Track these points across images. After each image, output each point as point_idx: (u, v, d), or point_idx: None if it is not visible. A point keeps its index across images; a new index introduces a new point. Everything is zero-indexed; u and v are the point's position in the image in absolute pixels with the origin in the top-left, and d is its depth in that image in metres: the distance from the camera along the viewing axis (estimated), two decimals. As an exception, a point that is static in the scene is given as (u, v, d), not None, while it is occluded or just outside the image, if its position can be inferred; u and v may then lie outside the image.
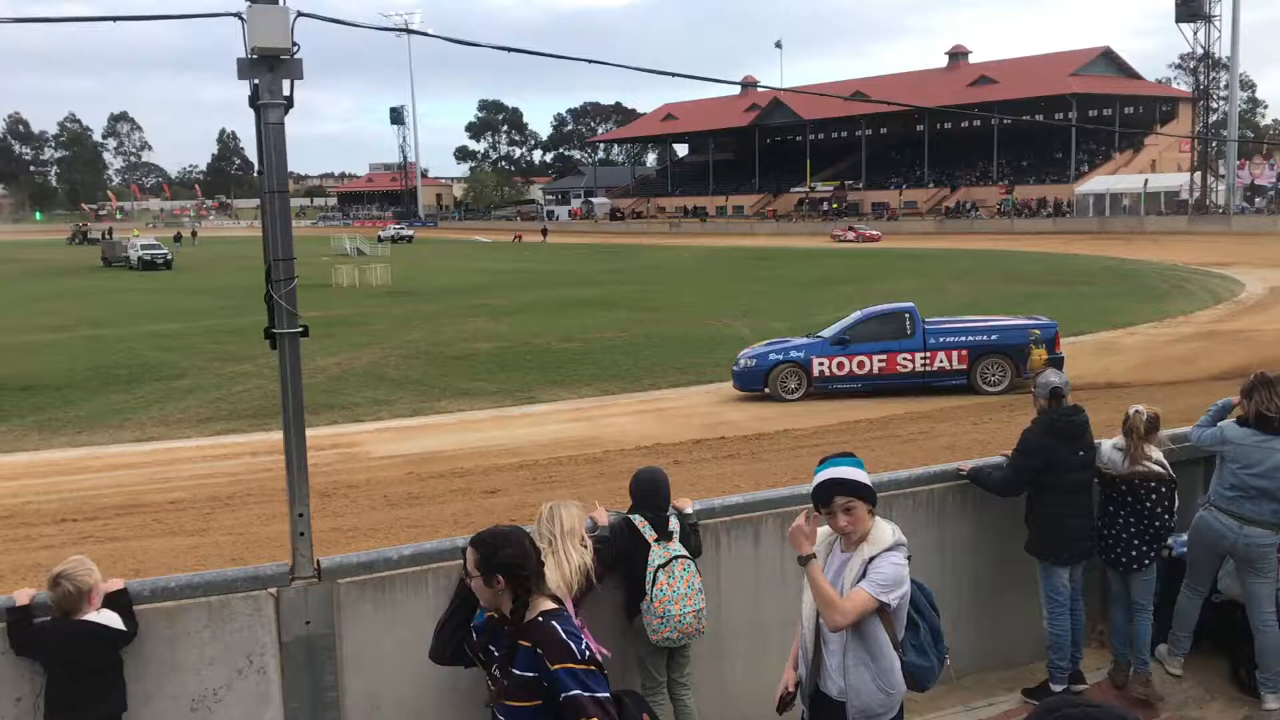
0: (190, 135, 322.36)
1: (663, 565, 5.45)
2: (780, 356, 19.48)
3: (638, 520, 5.56)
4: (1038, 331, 19.16)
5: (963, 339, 19.23)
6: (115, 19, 5.30)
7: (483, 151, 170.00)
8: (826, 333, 19.94)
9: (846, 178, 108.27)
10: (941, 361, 19.12)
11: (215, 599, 4.86)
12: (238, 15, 4.72)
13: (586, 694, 3.50)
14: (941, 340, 19.20)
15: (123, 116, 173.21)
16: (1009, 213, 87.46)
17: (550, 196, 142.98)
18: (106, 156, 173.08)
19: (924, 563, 6.47)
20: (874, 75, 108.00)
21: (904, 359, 19.16)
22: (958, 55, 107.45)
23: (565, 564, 5.16)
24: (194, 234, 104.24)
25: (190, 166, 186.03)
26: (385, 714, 5.14)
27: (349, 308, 36.33)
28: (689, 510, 5.75)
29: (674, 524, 5.61)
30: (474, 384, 21.26)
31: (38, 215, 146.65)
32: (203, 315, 35.74)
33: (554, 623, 3.61)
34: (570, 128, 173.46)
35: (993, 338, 19.24)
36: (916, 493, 6.59)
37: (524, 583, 3.64)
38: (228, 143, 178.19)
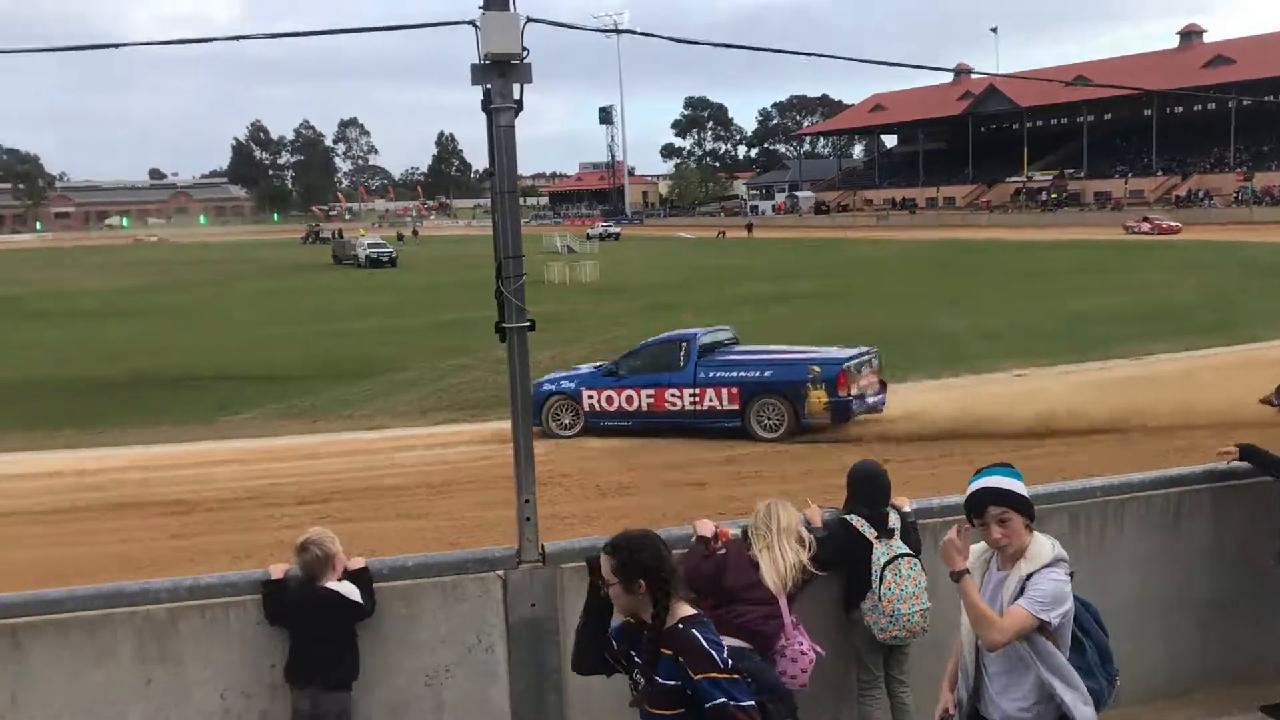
0: (412, 138, 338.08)
1: (889, 563, 5.38)
2: (553, 387, 17.47)
3: (854, 520, 5.52)
4: (817, 369, 16.18)
5: (734, 375, 16.58)
6: (359, 30, 5.64)
7: (688, 148, 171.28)
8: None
9: (1066, 166, 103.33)
10: (711, 400, 16.55)
11: (448, 579, 5.11)
12: (471, 23, 4.94)
13: (732, 703, 3.47)
14: (713, 375, 16.63)
15: (352, 122, 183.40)
16: (1247, 201, 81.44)
17: (754, 191, 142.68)
18: (336, 160, 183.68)
19: (1156, 571, 6.18)
20: (1097, 59, 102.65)
21: (673, 395, 16.75)
22: (1190, 35, 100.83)
23: (780, 561, 5.18)
24: (415, 233, 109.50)
25: (412, 168, 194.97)
26: (601, 700, 5.27)
27: (560, 304, 37.28)
28: (907, 509, 5.67)
29: (894, 520, 5.53)
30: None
31: (275, 217, 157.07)
32: (424, 310, 37.49)
33: (695, 631, 3.56)
34: (775, 121, 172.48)
35: (766, 374, 16.55)
36: (1151, 497, 6.26)
37: (664, 586, 3.61)
38: (446, 145, 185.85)
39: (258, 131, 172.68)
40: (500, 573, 5.15)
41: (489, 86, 5.02)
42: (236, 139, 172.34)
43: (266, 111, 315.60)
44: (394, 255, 66.78)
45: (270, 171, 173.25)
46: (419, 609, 5.08)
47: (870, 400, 16.67)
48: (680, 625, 3.57)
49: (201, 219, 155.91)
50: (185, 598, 4.96)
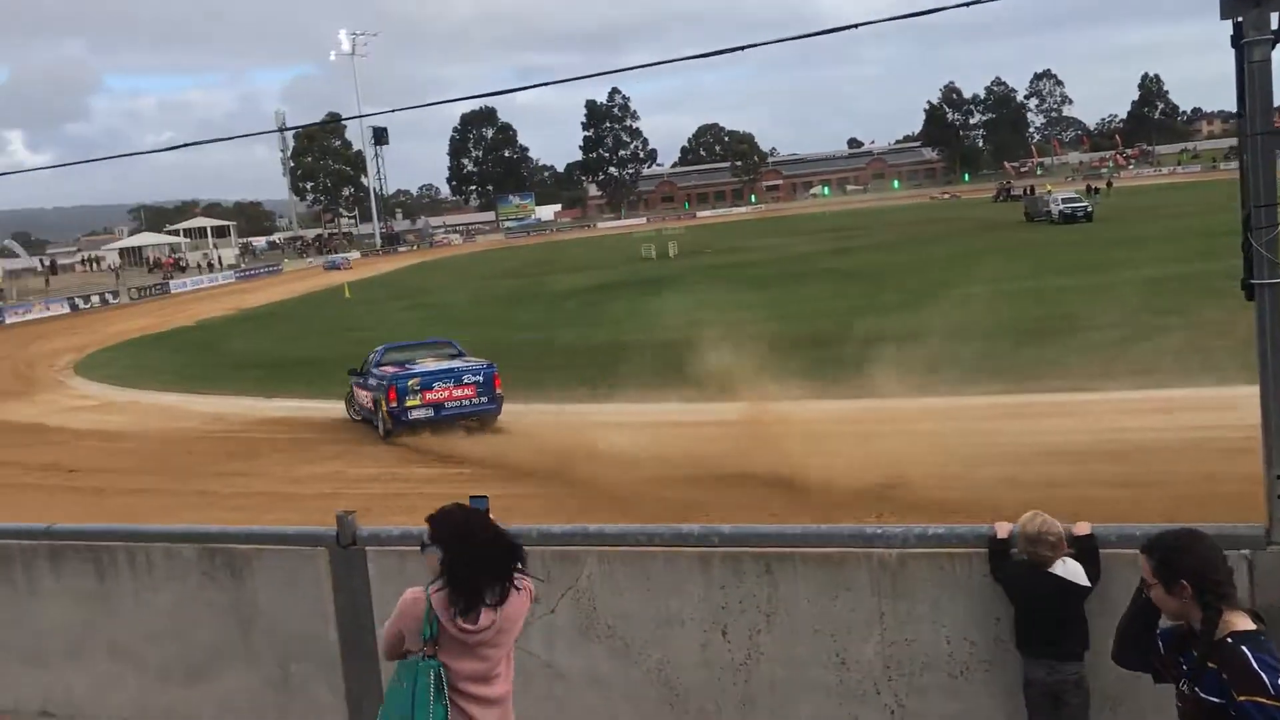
0: (1109, 84, 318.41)
1: None
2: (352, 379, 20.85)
3: None
4: (385, 383, 19.03)
5: (369, 382, 19.74)
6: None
7: None
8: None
9: None
10: (367, 402, 19.92)
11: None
12: (1225, -49, 4.56)
13: None
14: (368, 382, 19.81)
15: (1045, 74, 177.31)
16: None
17: None
18: (1028, 115, 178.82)
19: None
20: None
21: (360, 395, 20.41)
22: None
23: None
24: (1109, 185, 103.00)
25: (1109, 116, 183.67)
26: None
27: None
28: None
29: None
30: None
31: (964, 177, 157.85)
32: (1122, 267, 35.23)
33: (1244, 647, 3.23)
34: None
35: (372, 384, 19.60)
36: None
37: (1213, 590, 3.28)
38: (1150, 88, 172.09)
39: (950, 93, 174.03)
40: (1245, 552, 4.76)
41: (1240, 20, 4.59)
42: (930, 103, 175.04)
43: (958, 73, 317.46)
44: (1089, 209, 63.63)
45: (961, 132, 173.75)
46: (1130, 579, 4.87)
47: (453, 411, 18.73)
48: (1230, 639, 3.27)
49: (894, 184, 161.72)
50: (914, 544, 5.28)
